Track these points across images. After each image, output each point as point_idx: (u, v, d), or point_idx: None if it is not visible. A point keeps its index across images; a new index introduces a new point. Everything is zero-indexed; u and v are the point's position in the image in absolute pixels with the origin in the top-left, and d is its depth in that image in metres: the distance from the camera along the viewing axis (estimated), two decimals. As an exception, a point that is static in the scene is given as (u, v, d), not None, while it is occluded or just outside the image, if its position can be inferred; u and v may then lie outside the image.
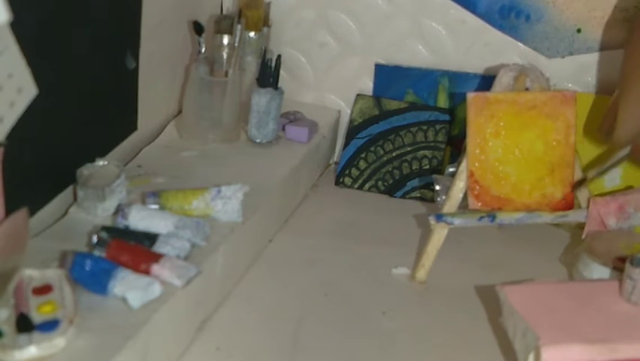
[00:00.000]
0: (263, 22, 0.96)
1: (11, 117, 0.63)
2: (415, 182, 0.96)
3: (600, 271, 0.74)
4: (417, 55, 0.99)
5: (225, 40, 0.90)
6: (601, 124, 0.73)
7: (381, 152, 0.97)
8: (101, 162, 0.76)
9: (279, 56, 0.92)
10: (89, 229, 0.69)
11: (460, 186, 0.76)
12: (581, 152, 0.82)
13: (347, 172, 0.98)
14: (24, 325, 0.55)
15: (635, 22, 0.61)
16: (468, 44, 0.98)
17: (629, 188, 0.84)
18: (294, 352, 0.67)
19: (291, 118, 0.97)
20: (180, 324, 0.65)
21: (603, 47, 0.93)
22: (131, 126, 0.87)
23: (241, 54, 0.93)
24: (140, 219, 0.69)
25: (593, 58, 0.94)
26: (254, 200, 0.77)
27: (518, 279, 0.70)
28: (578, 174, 0.77)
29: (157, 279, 0.62)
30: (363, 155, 0.98)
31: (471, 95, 0.75)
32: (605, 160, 0.79)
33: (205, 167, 0.85)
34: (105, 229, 0.67)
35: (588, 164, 0.84)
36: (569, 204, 0.76)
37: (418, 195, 0.96)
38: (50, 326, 0.55)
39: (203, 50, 0.90)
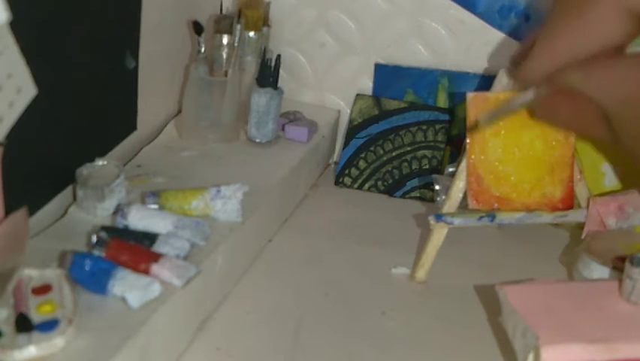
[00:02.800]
0: (262, 22, 0.96)
1: (11, 117, 0.63)
2: (415, 182, 0.96)
3: (600, 271, 0.74)
4: (416, 55, 0.99)
5: (225, 40, 0.90)
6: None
7: (381, 152, 0.97)
8: (100, 162, 0.75)
9: (278, 56, 0.91)
10: (89, 228, 0.69)
11: (459, 185, 0.76)
12: (581, 152, 0.82)
13: (347, 172, 0.98)
14: (23, 325, 0.55)
15: None
16: (468, 44, 0.97)
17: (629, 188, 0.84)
18: (293, 352, 0.67)
19: (291, 118, 0.97)
20: (180, 324, 0.65)
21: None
22: (131, 126, 0.87)
23: (241, 54, 0.93)
24: (139, 219, 0.69)
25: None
26: (253, 200, 0.77)
27: (518, 279, 0.70)
28: (577, 174, 0.77)
29: (156, 279, 0.62)
30: (362, 155, 0.98)
31: (470, 95, 0.75)
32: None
33: (205, 167, 0.85)
34: (104, 228, 0.67)
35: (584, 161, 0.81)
36: (568, 204, 0.76)
37: (418, 195, 0.96)
38: (50, 325, 0.55)
39: (202, 49, 0.90)
